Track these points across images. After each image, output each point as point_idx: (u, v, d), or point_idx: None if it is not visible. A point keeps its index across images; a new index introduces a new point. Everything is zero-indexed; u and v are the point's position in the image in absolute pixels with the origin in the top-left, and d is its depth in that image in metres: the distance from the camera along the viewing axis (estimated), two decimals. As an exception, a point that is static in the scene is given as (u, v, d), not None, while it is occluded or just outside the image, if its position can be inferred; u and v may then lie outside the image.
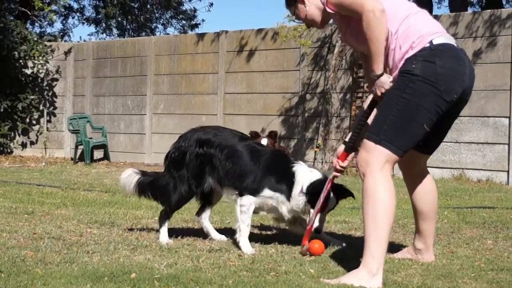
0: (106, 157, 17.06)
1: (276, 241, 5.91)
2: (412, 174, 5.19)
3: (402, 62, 4.62)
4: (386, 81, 4.62)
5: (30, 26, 20.60)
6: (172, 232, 6.20)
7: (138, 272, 4.56)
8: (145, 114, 16.97)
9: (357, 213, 7.61)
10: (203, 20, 34.16)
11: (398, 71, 4.64)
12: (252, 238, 5.92)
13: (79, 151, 16.89)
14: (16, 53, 17.61)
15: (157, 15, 31.62)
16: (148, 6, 30.29)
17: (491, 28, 12.17)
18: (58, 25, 29.57)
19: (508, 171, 11.82)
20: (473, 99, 11.83)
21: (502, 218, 7.39)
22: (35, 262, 4.82)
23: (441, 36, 4.68)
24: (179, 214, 7.36)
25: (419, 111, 4.52)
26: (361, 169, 4.59)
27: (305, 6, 5.08)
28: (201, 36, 16.42)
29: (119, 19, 30.90)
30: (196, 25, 31.12)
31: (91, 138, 16.87)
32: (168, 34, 29.61)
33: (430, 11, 18.62)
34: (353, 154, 5.16)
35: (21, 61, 17.89)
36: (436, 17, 13.08)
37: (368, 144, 4.59)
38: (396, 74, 4.65)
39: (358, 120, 5.09)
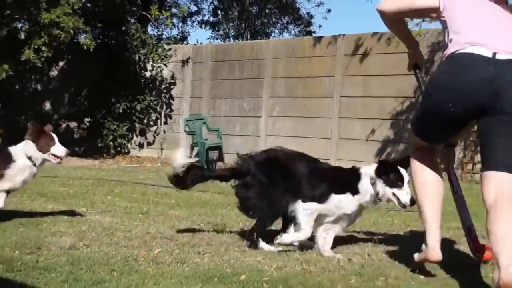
0: (220, 158, 17.23)
1: (386, 245, 5.87)
2: None
3: None
4: None
5: (151, 29, 20.98)
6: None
7: (248, 274, 4.59)
8: (261, 117, 17.05)
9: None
10: (320, 26, 33.75)
11: None
12: (361, 242, 5.91)
13: (194, 152, 17.13)
14: (136, 56, 18.10)
15: (274, 19, 31.68)
16: (267, 10, 30.39)
17: None
18: (177, 28, 29.88)
19: None
20: None
21: None
22: (147, 261, 4.91)
23: None
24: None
25: None
26: None
27: None
28: (318, 39, 16.37)
29: (237, 23, 31.13)
30: (312, 32, 30.98)
31: (206, 139, 17.05)
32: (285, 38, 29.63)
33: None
34: None
35: (140, 63, 18.36)
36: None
37: None
38: None
39: None
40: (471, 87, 4.41)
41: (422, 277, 4.69)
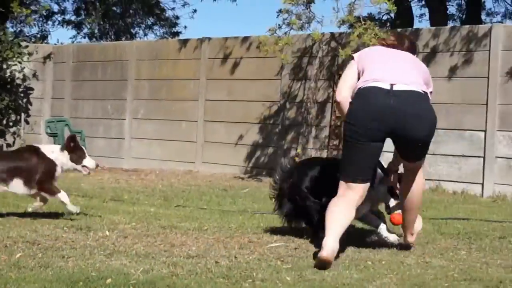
0: (83, 161, 16.83)
1: (254, 248, 5.93)
2: None
3: None
4: None
5: (11, 27, 20.30)
6: (149, 238, 6.20)
7: (114, 278, 4.55)
8: (125, 119, 16.84)
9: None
10: (185, 27, 33.52)
11: None
12: (228, 244, 5.95)
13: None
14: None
15: (138, 20, 31.37)
16: (131, 11, 30.07)
17: (468, 43, 12.27)
18: (37, 26, 29.14)
19: (482, 184, 11.89)
20: (450, 113, 11.97)
21: (475, 229, 7.44)
22: (8, 266, 4.79)
23: None
24: (157, 220, 7.36)
25: None
26: None
27: None
28: (184, 42, 16.30)
29: (101, 22, 30.65)
30: (178, 33, 30.88)
31: (68, 142, 16.62)
32: (149, 39, 29.39)
33: (411, 25, 18.79)
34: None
35: (-4, 62, 17.75)
36: (417, 30, 13.22)
37: None
38: None
39: None
40: (377, 109, 5.48)
41: (288, 278, 4.76)
